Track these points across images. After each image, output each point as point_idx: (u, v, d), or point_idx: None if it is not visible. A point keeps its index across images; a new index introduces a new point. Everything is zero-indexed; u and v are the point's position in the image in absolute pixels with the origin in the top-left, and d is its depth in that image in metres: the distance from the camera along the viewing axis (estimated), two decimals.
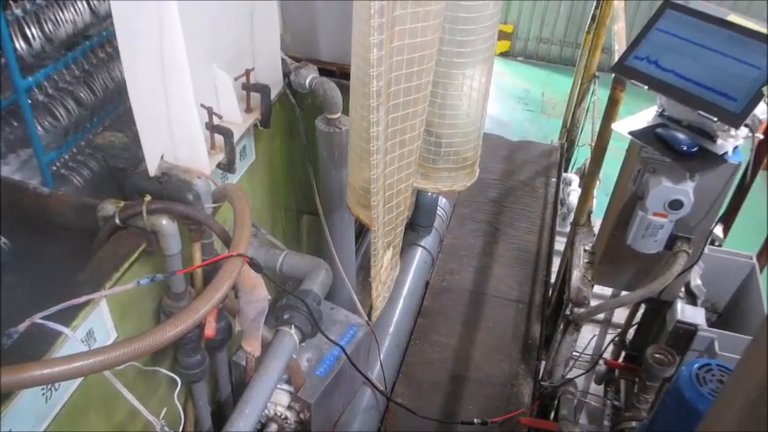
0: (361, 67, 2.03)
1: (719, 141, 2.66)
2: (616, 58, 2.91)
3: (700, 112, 2.55)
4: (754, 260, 3.50)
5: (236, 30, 2.48)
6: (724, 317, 3.65)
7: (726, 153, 2.67)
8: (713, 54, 2.58)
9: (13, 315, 1.70)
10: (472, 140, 2.67)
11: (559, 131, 6.41)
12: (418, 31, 2.04)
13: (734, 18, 2.61)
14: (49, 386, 1.81)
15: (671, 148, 2.66)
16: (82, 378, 1.94)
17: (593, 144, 4.12)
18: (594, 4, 5.18)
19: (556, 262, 4.69)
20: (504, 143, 6.08)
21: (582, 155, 5.82)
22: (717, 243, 3.55)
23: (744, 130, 2.61)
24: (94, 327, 1.93)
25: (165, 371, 2.34)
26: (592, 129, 5.04)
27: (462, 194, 5.15)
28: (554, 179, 5.59)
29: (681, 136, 2.67)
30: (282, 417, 2.88)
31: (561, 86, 9.74)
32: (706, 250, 3.48)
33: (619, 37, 3.44)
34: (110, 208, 2.08)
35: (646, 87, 2.69)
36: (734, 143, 2.68)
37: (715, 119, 2.52)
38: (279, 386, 2.83)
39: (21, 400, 1.69)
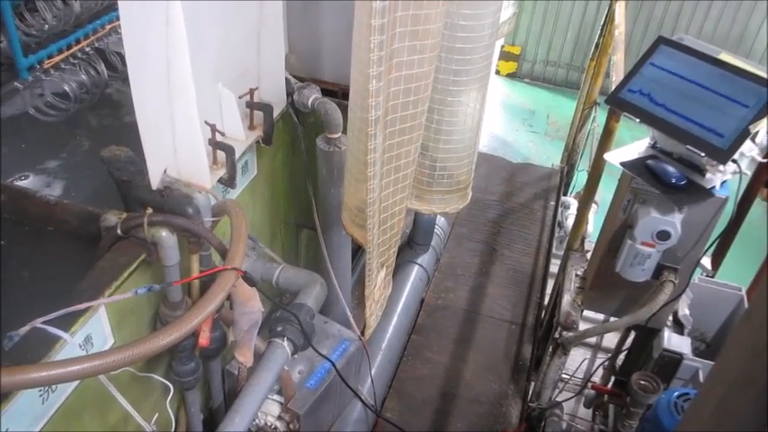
0: (360, 93, 2.11)
1: (708, 175, 2.73)
2: (612, 89, 2.99)
3: (688, 146, 2.63)
4: (743, 293, 3.54)
5: (243, 49, 2.57)
6: (712, 347, 3.70)
7: (714, 187, 2.74)
8: (703, 91, 2.66)
9: (15, 319, 1.78)
10: (465, 164, 2.75)
11: (561, 155, 6.48)
12: (415, 62, 2.12)
13: (725, 57, 2.69)
14: (47, 388, 1.88)
15: (660, 180, 2.73)
16: (78, 381, 2.01)
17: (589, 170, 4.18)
18: (599, 31, 5.27)
19: (551, 284, 4.75)
20: (505, 165, 6.16)
21: (582, 179, 5.88)
22: (705, 274, 3.60)
23: (732, 166, 2.68)
24: (93, 332, 2.01)
25: (159, 377, 2.41)
26: (590, 154, 5.10)
27: (461, 214, 5.22)
28: (553, 202, 5.66)
29: (670, 169, 2.74)
30: (272, 427, 2.94)
31: (566, 109, 9.81)
32: (696, 280, 3.54)
33: (617, 68, 3.51)
34: (112, 218, 2.15)
35: (638, 120, 2.77)
36: (722, 178, 2.74)
37: (703, 154, 2.59)
38: (270, 396, 2.89)
39: (19, 401, 1.76)
